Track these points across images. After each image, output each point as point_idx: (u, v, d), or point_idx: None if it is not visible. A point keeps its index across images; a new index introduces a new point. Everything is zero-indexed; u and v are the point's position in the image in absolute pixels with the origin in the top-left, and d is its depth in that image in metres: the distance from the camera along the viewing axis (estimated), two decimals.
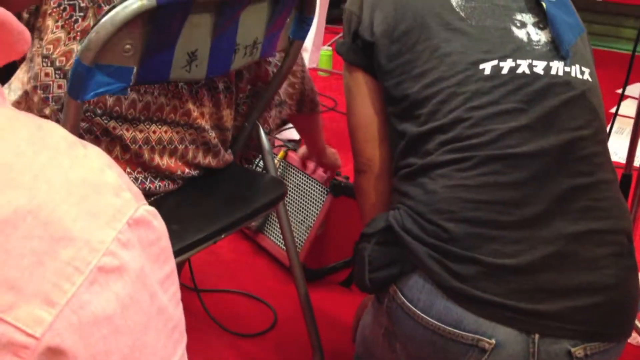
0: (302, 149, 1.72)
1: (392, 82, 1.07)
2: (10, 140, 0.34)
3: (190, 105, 1.10)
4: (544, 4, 1.05)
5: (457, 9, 1.05)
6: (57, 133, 0.37)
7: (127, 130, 1.04)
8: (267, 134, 1.28)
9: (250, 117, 1.26)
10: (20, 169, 0.33)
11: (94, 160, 0.37)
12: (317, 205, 1.75)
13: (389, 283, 1.02)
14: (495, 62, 1.01)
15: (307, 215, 1.77)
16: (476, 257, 0.93)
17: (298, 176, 1.82)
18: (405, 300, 0.98)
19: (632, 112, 1.62)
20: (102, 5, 0.96)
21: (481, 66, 1.01)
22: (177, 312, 0.39)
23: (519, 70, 1.00)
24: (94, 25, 0.80)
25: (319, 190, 1.76)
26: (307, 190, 1.78)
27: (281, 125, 1.39)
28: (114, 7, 0.80)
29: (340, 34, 1.26)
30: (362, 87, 1.14)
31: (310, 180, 1.78)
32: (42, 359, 0.32)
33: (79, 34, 0.95)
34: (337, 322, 1.59)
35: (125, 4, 0.80)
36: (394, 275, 1.01)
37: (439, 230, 0.96)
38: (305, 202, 1.78)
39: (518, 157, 0.97)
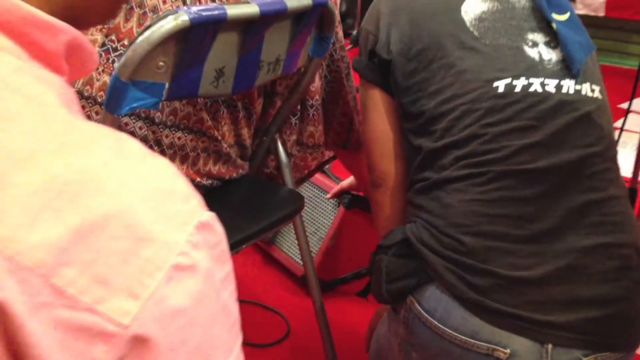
0: (350, 180, 1.72)
1: (408, 99, 1.11)
2: (98, 151, 0.38)
3: (204, 114, 1.13)
4: (554, 25, 1.09)
5: (471, 28, 1.09)
6: (133, 145, 0.40)
7: (140, 128, 1.07)
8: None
9: (268, 132, 1.30)
10: (106, 177, 0.37)
11: (165, 170, 0.40)
12: (329, 218, 1.78)
13: (406, 294, 1.05)
14: (508, 80, 1.04)
15: (318, 227, 1.80)
16: (492, 269, 0.96)
17: (310, 189, 1.85)
18: (423, 311, 1.01)
19: (636, 127, 1.66)
20: (147, 12, 1.00)
21: (495, 84, 1.04)
22: (235, 309, 0.43)
23: (532, 89, 1.04)
24: (131, 43, 0.84)
25: (330, 202, 1.79)
26: (319, 202, 1.82)
27: (314, 172, 1.43)
28: (150, 26, 0.84)
29: (348, 47, 1.30)
30: (378, 103, 1.18)
31: (322, 192, 1.82)
32: (128, 346, 0.35)
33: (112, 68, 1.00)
34: (350, 333, 1.62)
35: (160, 23, 0.84)
36: (411, 286, 1.04)
37: (455, 243, 0.99)
38: (317, 214, 1.81)
39: (531, 173, 1.00)
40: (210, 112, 1.15)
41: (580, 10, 3.76)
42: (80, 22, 0.45)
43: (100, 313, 0.35)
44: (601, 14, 3.85)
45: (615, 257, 0.99)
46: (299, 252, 1.67)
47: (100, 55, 1.02)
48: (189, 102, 1.10)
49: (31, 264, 0.33)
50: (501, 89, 1.04)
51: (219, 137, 1.18)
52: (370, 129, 1.20)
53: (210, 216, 0.41)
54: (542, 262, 0.97)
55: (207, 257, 0.39)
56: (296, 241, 1.54)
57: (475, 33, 1.08)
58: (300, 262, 1.71)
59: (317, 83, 1.33)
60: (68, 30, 0.43)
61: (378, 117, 1.18)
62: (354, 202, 1.74)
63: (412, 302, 1.03)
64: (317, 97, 1.34)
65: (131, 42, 0.85)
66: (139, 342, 0.35)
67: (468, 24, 1.09)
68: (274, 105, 1.27)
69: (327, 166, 1.85)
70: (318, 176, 1.82)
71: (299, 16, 1.07)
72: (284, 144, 1.33)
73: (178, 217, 0.38)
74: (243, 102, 1.20)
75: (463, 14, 1.09)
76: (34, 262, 0.33)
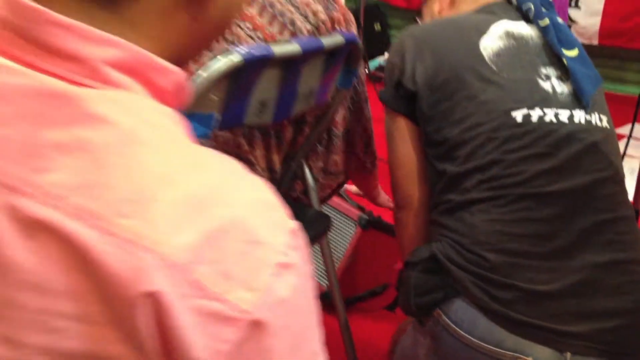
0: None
1: (432, 127, 1.20)
2: (216, 171, 0.46)
3: (242, 140, 1.22)
4: (564, 60, 1.20)
5: (489, 63, 1.19)
6: (237, 164, 0.48)
7: None
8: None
9: (296, 158, 1.39)
10: (225, 192, 0.45)
11: (262, 185, 0.48)
12: (346, 238, 1.87)
13: (433, 307, 1.13)
14: (525, 111, 1.14)
15: (336, 246, 1.89)
16: (514, 283, 1.05)
17: (328, 210, 1.94)
18: (450, 323, 1.10)
19: (636, 152, 1.76)
20: None
21: (513, 114, 1.14)
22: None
23: (546, 119, 1.14)
24: (192, 78, 0.93)
25: (347, 223, 1.88)
26: (336, 223, 1.90)
27: (332, 194, 1.53)
28: (208, 64, 0.94)
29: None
30: (404, 131, 1.27)
31: (339, 214, 1.91)
32: (248, 328, 0.43)
33: None
34: (371, 348, 1.69)
35: (217, 61, 0.94)
36: (438, 300, 1.13)
37: (480, 259, 1.08)
38: (335, 234, 1.90)
39: (548, 196, 1.09)
40: (247, 138, 1.24)
41: None
42: (182, 62, 0.54)
43: (227, 302, 0.42)
44: (595, 42, 3.98)
45: (626, 272, 1.08)
46: (316, 270, 1.76)
47: None
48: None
49: (176, 263, 0.41)
50: (519, 119, 1.13)
51: (254, 162, 1.27)
52: (396, 155, 1.29)
53: (295, 224, 0.49)
54: (560, 277, 1.06)
55: (299, 257, 0.47)
56: (314, 260, 1.63)
57: (494, 67, 1.18)
58: (319, 281, 1.80)
59: (341, 113, 1.42)
60: (176, 71, 0.51)
61: (403, 143, 1.27)
62: (370, 223, 1.83)
63: (440, 314, 1.12)
64: (340, 127, 1.44)
65: (191, 77, 0.94)
66: (256, 325, 0.43)
67: (487, 58, 1.19)
68: (303, 133, 1.36)
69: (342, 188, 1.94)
70: (334, 198, 1.91)
71: (332, 52, 1.17)
72: (310, 170, 1.42)
73: (277, 224, 0.46)
74: (275, 129, 1.29)
75: (482, 49, 1.19)
76: (178, 260, 0.41)
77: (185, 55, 0.54)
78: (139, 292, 0.40)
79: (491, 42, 1.20)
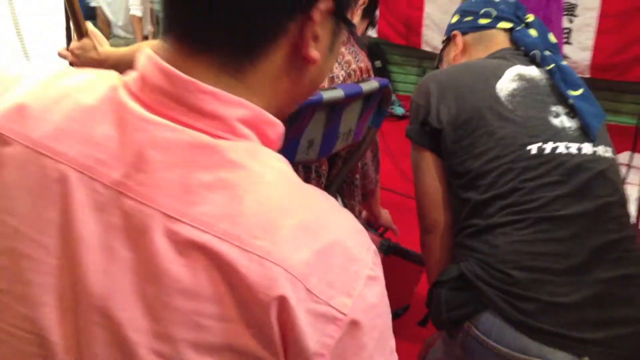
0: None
1: (456, 160, 1.35)
2: (322, 203, 0.59)
3: None
4: (571, 100, 1.35)
5: (505, 103, 1.35)
6: (331, 198, 0.62)
7: None
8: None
9: (329, 190, 1.54)
10: (329, 220, 0.58)
11: (351, 216, 0.62)
12: None
13: (463, 320, 1.27)
14: (539, 144, 1.29)
15: None
16: (536, 296, 1.19)
17: None
18: (480, 334, 1.23)
19: (634, 180, 1.92)
20: None
21: (528, 147, 1.29)
22: None
23: (558, 151, 1.29)
24: None
25: None
26: None
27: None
28: None
29: None
30: (429, 163, 1.42)
31: None
32: (347, 327, 0.55)
33: None
34: None
35: None
36: (467, 314, 1.26)
37: (504, 276, 1.22)
38: None
39: (562, 219, 1.24)
40: None
41: None
42: (281, 116, 0.66)
43: (332, 306, 0.55)
44: (587, 75, 4.18)
45: (635, 285, 1.23)
46: None
47: None
48: None
49: (296, 274, 0.54)
50: (534, 152, 1.28)
51: None
52: (422, 185, 1.44)
53: (374, 246, 0.62)
54: (576, 290, 1.20)
55: (380, 271, 0.60)
56: None
57: (510, 106, 1.34)
58: None
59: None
60: (279, 124, 0.64)
61: (429, 175, 1.42)
62: (391, 249, 1.97)
63: (470, 326, 1.25)
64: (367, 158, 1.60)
65: None
66: (353, 324, 0.55)
67: (503, 99, 1.35)
68: (336, 166, 1.51)
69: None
70: None
71: (368, 95, 1.32)
72: (342, 199, 1.57)
73: (366, 246, 0.59)
74: (315, 164, 1.44)
75: (498, 91, 1.35)
76: (297, 272, 0.54)
77: (284, 111, 0.67)
78: (271, 296, 0.52)
79: (506, 84, 1.37)
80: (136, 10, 4.50)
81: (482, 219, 1.29)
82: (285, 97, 0.64)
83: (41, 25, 2.68)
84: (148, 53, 0.59)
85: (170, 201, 0.54)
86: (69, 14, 1.42)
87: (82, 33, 1.43)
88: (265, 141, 0.61)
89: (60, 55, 1.48)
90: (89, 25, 1.46)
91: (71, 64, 1.50)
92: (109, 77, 0.60)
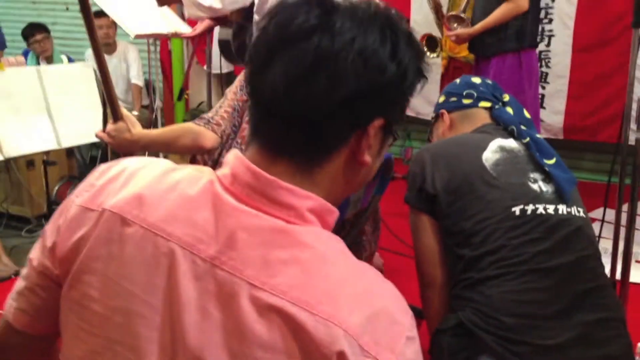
0: None
1: (450, 221, 1.55)
2: (370, 275, 0.72)
3: None
4: (546, 168, 1.56)
5: (490, 171, 1.55)
6: (376, 270, 0.77)
7: None
8: None
9: None
10: (376, 289, 0.72)
11: (392, 285, 0.76)
12: None
13: None
14: (521, 207, 1.49)
15: None
16: (526, 340, 1.36)
17: None
18: None
19: (606, 234, 2.13)
20: None
21: (512, 209, 1.49)
22: None
23: (538, 212, 1.49)
24: None
25: None
26: None
27: None
28: None
29: None
30: (426, 225, 1.61)
31: None
32: None
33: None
34: None
35: None
36: (467, 357, 1.43)
37: (498, 322, 1.39)
38: None
39: (546, 270, 1.42)
40: None
41: (543, 134, 4.34)
42: (335, 204, 0.80)
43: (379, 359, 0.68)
44: (560, 137, 4.45)
45: (611, 328, 1.41)
46: None
47: None
48: None
49: (352, 334, 0.65)
50: (517, 213, 1.48)
51: None
52: (421, 244, 1.62)
53: (411, 311, 0.76)
54: (561, 333, 1.37)
55: (416, 332, 0.74)
56: None
57: (494, 174, 1.55)
58: None
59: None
60: (336, 211, 0.79)
61: (426, 235, 1.61)
62: None
63: None
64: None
65: None
66: None
67: (488, 168, 1.56)
68: (345, 230, 1.70)
69: None
70: None
71: None
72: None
73: (405, 311, 0.73)
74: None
75: (484, 161, 1.56)
76: (353, 332, 0.65)
77: (338, 201, 0.79)
78: (333, 350, 0.64)
79: (491, 155, 1.58)
80: (137, 80, 4.76)
81: (476, 273, 1.48)
82: (340, 190, 0.78)
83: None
84: (237, 154, 0.75)
85: (255, 273, 0.67)
86: (106, 100, 1.61)
87: (117, 117, 1.62)
88: (325, 225, 0.75)
89: (97, 136, 1.67)
90: (123, 109, 1.65)
91: (106, 144, 1.69)
92: (207, 173, 0.77)
